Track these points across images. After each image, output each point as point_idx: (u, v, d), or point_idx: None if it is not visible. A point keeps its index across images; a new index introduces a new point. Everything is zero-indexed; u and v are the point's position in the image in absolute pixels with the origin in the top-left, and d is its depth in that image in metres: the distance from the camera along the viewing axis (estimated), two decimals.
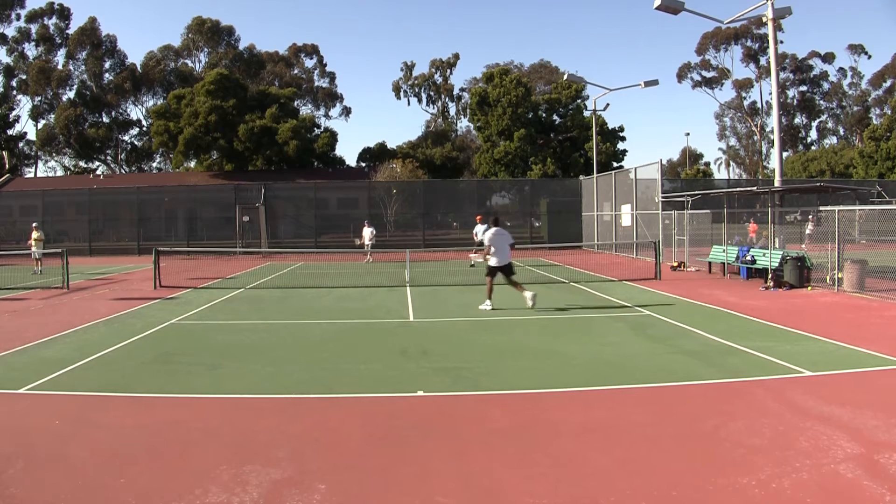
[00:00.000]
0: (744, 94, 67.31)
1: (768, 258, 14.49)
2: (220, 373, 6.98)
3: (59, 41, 58.58)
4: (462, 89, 64.87)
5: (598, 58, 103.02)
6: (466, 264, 20.76)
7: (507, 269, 11.21)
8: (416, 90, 66.69)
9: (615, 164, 45.58)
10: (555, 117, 49.21)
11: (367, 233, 23.80)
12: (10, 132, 56.60)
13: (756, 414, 5.28)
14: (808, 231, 22.71)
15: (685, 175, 56.74)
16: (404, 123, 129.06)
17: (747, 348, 7.74)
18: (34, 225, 20.30)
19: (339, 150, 67.21)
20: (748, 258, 15.42)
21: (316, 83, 66.49)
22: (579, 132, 46.88)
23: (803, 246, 20.93)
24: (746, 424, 5.00)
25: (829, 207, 13.96)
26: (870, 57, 74.43)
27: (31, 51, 58.35)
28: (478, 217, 21.68)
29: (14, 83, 57.36)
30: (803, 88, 67.05)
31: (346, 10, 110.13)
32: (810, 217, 20.78)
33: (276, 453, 4.52)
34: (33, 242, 19.56)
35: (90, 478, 4.15)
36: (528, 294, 11.08)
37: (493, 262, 11.22)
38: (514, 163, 45.92)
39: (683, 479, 4.00)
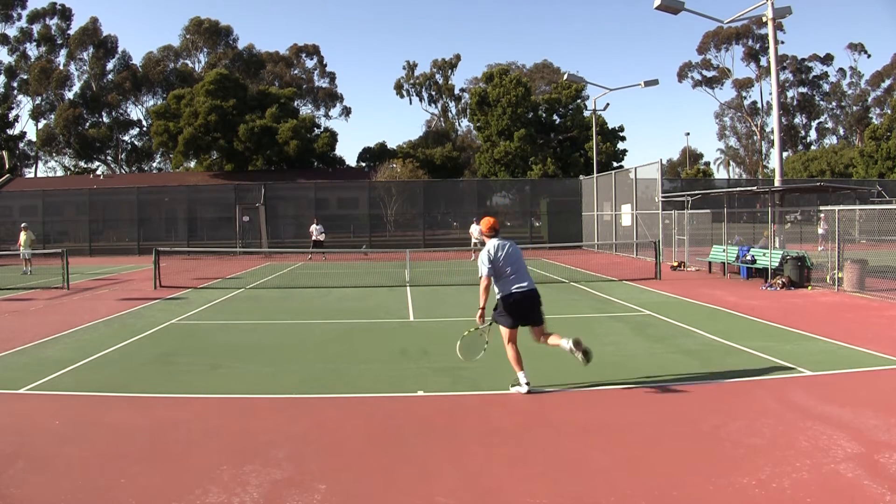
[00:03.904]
0: (744, 94, 67.43)
1: (768, 258, 14.49)
2: (220, 373, 6.98)
3: (61, 41, 58.62)
4: (462, 89, 64.96)
5: (599, 57, 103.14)
6: (467, 263, 20.76)
7: None
8: (418, 89, 66.75)
9: (615, 164, 45.58)
10: (555, 117, 49.22)
11: (477, 230, 23.34)
12: (10, 132, 56.62)
13: (756, 414, 5.28)
14: (821, 231, 22.51)
15: (685, 175, 56.75)
16: (404, 123, 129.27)
17: (747, 348, 7.73)
18: (23, 226, 20.29)
19: (339, 150, 67.40)
20: (748, 258, 15.42)
21: (316, 83, 66.56)
22: (579, 132, 46.88)
23: (820, 248, 20.86)
24: (746, 424, 5.00)
25: (829, 207, 13.97)
26: (869, 56, 74.79)
27: (32, 51, 58.47)
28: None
29: (15, 83, 57.39)
30: (803, 90, 67.09)
31: (346, 10, 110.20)
32: (821, 217, 20.65)
33: (276, 453, 4.52)
34: (22, 244, 19.59)
35: (90, 478, 4.15)
36: None
37: None
38: (514, 163, 45.93)
39: (684, 479, 4.00)
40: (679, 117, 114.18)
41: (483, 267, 5.93)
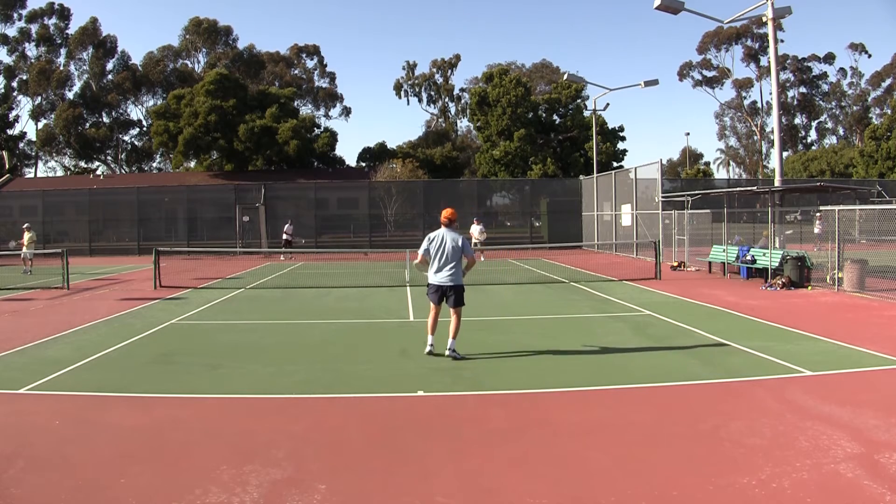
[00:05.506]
0: (744, 94, 67.42)
1: (768, 258, 14.49)
2: (221, 373, 6.98)
3: (60, 41, 58.58)
4: (462, 89, 64.96)
5: (599, 57, 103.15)
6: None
7: None
8: (417, 90, 66.76)
9: (615, 164, 45.56)
10: (555, 117, 49.19)
11: (476, 230, 23.11)
12: (10, 132, 56.59)
13: (756, 414, 5.28)
14: (816, 231, 22.41)
15: (685, 175, 56.75)
16: (404, 123, 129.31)
17: (747, 348, 7.73)
18: (26, 226, 20.33)
19: (339, 150, 67.36)
20: (748, 258, 15.42)
21: (316, 83, 66.55)
22: (579, 132, 46.85)
23: (815, 249, 20.79)
24: (746, 424, 5.00)
25: (829, 207, 13.96)
26: (870, 56, 74.71)
27: (31, 51, 58.44)
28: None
29: (15, 83, 57.36)
30: (803, 90, 67.08)
31: (346, 10, 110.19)
32: (818, 216, 20.52)
33: (276, 453, 4.52)
34: (25, 243, 19.61)
35: (90, 478, 4.15)
36: None
37: None
38: (514, 163, 45.90)
39: (683, 479, 4.00)
40: (679, 117, 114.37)
41: (422, 247, 7.54)
